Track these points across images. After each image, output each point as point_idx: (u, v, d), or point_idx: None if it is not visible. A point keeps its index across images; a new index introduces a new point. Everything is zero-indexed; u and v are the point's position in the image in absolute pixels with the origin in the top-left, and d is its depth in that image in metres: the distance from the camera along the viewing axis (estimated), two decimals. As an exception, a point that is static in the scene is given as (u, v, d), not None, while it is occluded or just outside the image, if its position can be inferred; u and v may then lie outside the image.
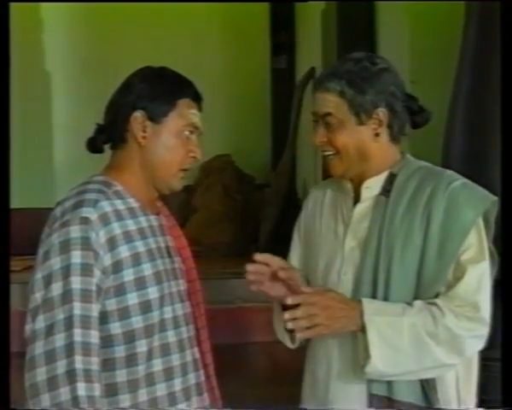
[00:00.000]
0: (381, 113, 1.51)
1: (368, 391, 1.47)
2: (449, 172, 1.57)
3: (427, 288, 1.47)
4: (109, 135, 1.51)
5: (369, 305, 1.44)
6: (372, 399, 1.47)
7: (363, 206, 1.56)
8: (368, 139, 1.52)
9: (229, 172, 5.69)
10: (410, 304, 1.45)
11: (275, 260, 1.50)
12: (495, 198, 1.51)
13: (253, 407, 1.70)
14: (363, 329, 1.43)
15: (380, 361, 1.42)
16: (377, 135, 1.52)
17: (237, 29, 5.75)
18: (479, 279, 1.47)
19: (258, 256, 1.49)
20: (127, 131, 1.48)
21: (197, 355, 1.53)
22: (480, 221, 1.49)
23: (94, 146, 1.53)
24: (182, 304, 1.51)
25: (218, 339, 1.73)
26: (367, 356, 1.42)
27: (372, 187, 1.55)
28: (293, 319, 1.41)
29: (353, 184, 1.58)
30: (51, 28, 5.61)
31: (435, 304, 1.44)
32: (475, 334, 1.46)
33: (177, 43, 5.65)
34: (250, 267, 1.48)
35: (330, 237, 1.60)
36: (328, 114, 1.51)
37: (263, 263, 1.49)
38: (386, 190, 1.54)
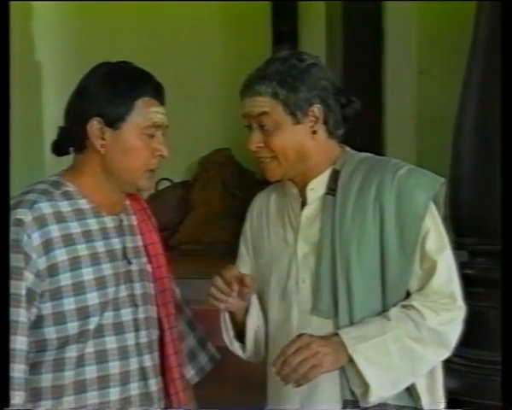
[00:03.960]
0: (317, 109, 1.50)
1: (342, 397, 1.45)
2: (393, 160, 1.55)
3: (395, 285, 1.45)
4: (70, 140, 1.47)
5: (347, 336, 1.41)
6: (347, 403, 1.45)
7: (311, 208, 1.54)
8: (305, 138, 1.51)
9: (229, 167, 5.58)
10: (385, 316, 1.43)
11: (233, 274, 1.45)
12: (443, 180, 1.52)
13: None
14: (350, 360, 1.40)
15: (379, 387, 1.41)
16: (314, 132, 1.51)
17: (238, 18, 5.64)
18: (448, 268, 1.47)
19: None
20: (86, 138, 1.43)
21: (149, 363, 1.47)
22: (432, 205, 1.48)
23: (59, 149, 1.49)
24: (133, 309, 1.45)
25: (216, 341, 1.69)
26: (366, 386, 1.41)
27: (317, 188, 1.53)
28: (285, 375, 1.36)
29: (298, 187, 1.56)
30: (41, 15, 5.48)
31: (412, 307, 1.44)
32: (456, 323, 1.47)
33: (175, 32, 5.54)
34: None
35: (281, 245, 1.57)
36: (264, 113, 1.49)
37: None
38: (332, 189, 1.52)
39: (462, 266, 2.47)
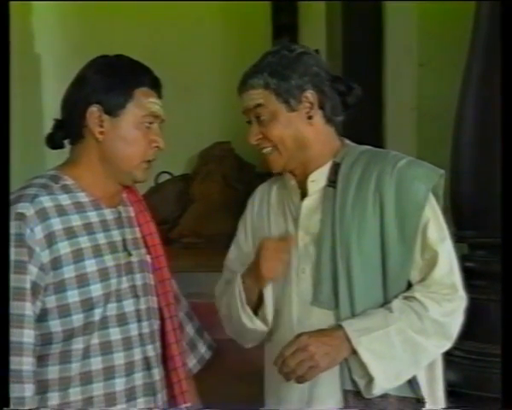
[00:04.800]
0: (310, 94, 1.52)
1: (342, 387, 1.46)
2: (393, 152, 1.57)
3: (396, 276, 1.45)
4: (67, 131, 1.47)
5: (350, 328, 1.41)
6: (347, 394, 1.46)
7: (311, 200, 1.55)
8: (302, 124, 1.52)
9: (229, 160, 5.54)
10: (388, 308, 1.44)
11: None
12: (442, 171, 1.53)
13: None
14: (354, 351, 1.41)
15: (383, 379, 1.42)
16: (310, 118, 1.52)
17: (238, 10, 5.62)
18: (449, 259, 1.49)
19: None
20: (84, 127, 1.44)
21: (152, 353, 1.48)
22: (431, 196, 1.49)
23: (53, 142, 1.49)
24: (135, 300, 1.47)
25: (218, 334, 1.70)
26: (369, 377, 1.42)
27: (317, 180, 1.55)
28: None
29: (298, 180, 1.57)
30: (41, 10, 5.44)
31: (414, 298, 1.45)
32: (458, 313, 1.48)
33: (175, 25, 5.50)
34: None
35: (282, 235, 1.58)
36: (259, 105, 1.51)
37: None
38: (332, 181, 1.53)
39: (462, 259, 2.48)
